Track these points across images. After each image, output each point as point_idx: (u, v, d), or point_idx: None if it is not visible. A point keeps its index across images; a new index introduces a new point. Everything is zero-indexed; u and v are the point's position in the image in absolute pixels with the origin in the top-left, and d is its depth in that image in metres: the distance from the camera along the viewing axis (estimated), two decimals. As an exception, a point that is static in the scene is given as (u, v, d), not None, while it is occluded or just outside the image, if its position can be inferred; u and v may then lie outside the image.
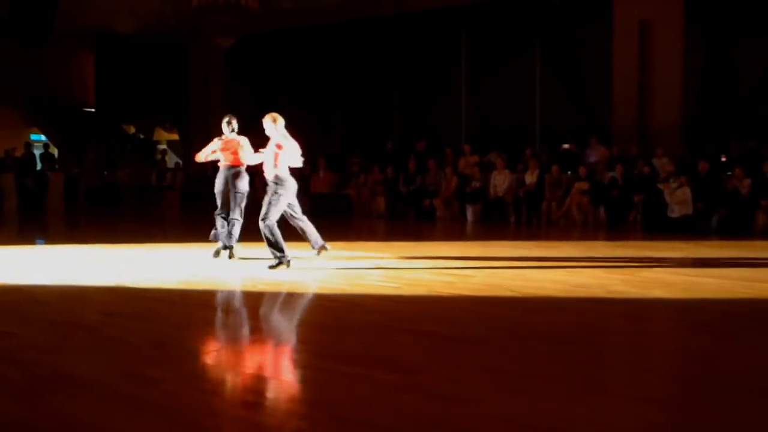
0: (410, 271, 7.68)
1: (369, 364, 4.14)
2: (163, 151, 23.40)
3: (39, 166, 19.98)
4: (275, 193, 7.83)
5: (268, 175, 7.92)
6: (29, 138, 23.92)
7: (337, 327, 5.09)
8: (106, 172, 20.96)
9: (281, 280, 7.08)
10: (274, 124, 8.10)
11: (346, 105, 20.47)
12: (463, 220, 14.56)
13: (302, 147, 8.23)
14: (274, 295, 6.39)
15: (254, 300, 6.25)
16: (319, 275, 7.41)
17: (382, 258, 8.76)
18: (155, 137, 24.93)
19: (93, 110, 25.32)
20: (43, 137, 24.44)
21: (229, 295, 6.62)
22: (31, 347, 4.53)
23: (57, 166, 20.10)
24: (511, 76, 17.49)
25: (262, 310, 5.83)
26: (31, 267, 8.03)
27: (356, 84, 20.23)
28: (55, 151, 22.86)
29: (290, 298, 6.27)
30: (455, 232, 12.84)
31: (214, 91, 22.65)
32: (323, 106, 20.82)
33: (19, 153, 20.41)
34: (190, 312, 5.88)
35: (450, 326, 5.10)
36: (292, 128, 8.49)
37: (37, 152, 21.42)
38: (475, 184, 14.85)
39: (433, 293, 6.39)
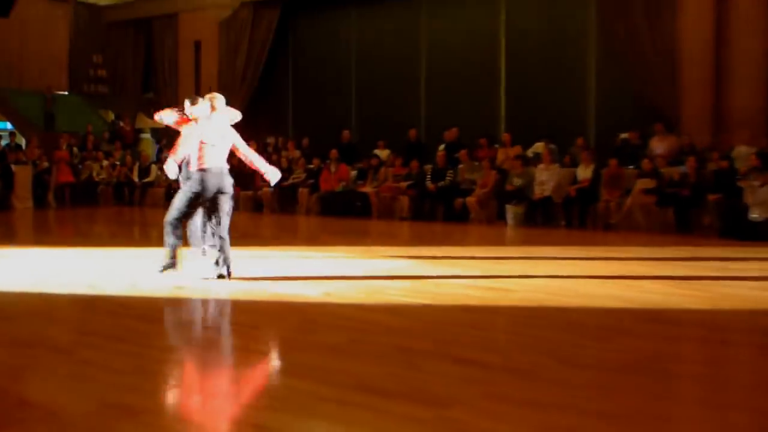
0: (439, 283, 7.63)
1: (394, 396, 4.08)
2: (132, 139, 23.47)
3: (2, 158, 20.11)
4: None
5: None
6: (-6, 124, 24.18)
7: (353, 350, 5.04)
8: (80, 166, 21.10)
9: (283, 293, 7.05)
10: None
11: (362, 86, 20.47)
12: (502, 224, 14.48)
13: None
14: (276, 311, 6.35)
15: (253, 317, 6.21)
16: (330, 287, 7.37)
17: (406, 267, 8.71)
18: (138, 125, 25.06)
19: (66, 93, 25.49)
20: (8, 125, 24.64)
21: (221, 311, 6.59)
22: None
23: (25, 159, 20.21)
24: (558, 52, 17.39)
25: (262, 330, 5.79)
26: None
27: (375, 62, 20.22)
28: (22, 141, 23.02)
29: (294, 315, 6.23)
30: (493, 238, 12.76)
31: (207, 69, 22.73)
32: (335, 87, 20.84)
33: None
34: (177, 331, 5.85)
35: (488, 351, 5.03)
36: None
37: (1, 143, 21.59)
38: (517, 180, 14.77)
39: (467, 311, 6.32)
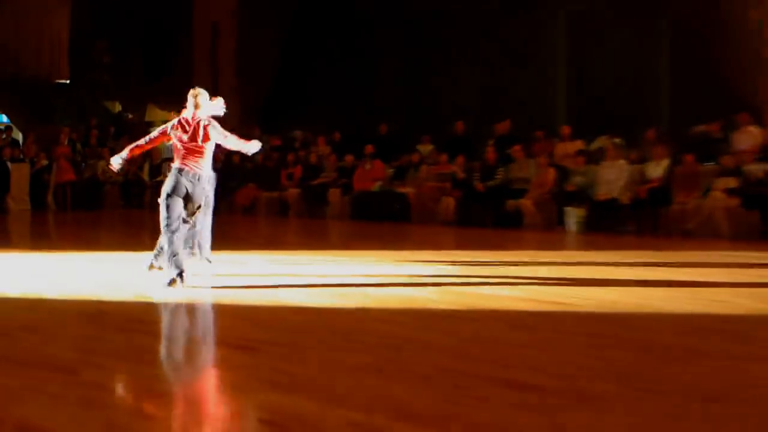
0: (488, 295, 7.60)
1: (436, 424, 4.07)
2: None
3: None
4: None
5: None
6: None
7: (388, 371, 5.03)
8: (83, 163, 21.33)
9: (308, 304, 7.06)
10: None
11: (402, 72, 20.48)
12: (561, 229, 14.41)
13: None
14: (301, 326, 6.37)
15: (275, 332, 6.23)
16: (362, 299, 7.37)
17: (449, 278, 8.70)
18: (147, 117, 25.32)
19: (67, 82, 25.80)
20: (3, 118, 25.00)
21: (239, 325, 6.61)
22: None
23: (22, 156, 20.49)
24: (626, 32, 17.28)
25: (286, 347, 5.81)
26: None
27: (416, 45, 20.23)
28: (18, 136, 23.34)
29: (322, 330, 6.23)
30: (550, 245, 12.69)
31: (224, 55, 22.87)
32: (371, 74, 20.87)
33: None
34: (191, 349, 5.89)
35: (545, 374, 4.99)
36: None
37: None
38: (578, 179, 14.69)
39: (521, 327, 6.29)
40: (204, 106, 8.53)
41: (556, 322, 6.57)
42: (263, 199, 18.94)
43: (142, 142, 8.74)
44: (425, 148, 18.19)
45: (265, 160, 19.51)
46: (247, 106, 21.95)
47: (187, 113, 8.57)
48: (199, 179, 8.30)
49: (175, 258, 8.04)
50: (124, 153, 8.68)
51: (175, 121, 8.53)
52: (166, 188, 8.23)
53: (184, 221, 8.26)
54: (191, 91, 8.56)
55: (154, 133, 8.73)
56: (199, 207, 8.40)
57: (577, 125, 16.41)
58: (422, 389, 4.66)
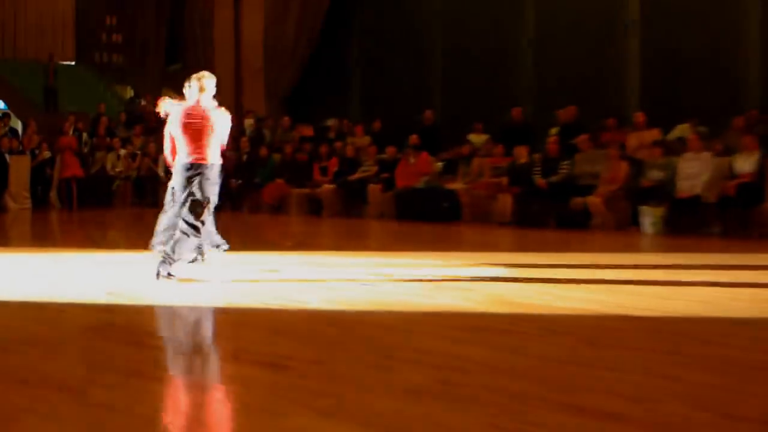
0: (550, 307, 7.57)
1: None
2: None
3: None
4: None
5: None
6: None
7: (440, 394, 5.01)
8: (91, 156, 21.50)
9: (348, 315, 7.06)
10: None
11: (451, 52, 20.47)
12: (636, 230, 14.31)
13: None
14: (341, 341, 6.37)
15: (312, 348, 6.22)
16: (409, 312, 7.37)
17: (507, 287, 8.67)
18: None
19: (72, 64, 26.05)
20: (0, 104, 25.28)
21: (271, 340, 6.62)
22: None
23: (21, 147, 20.67)
24: (709, 4, 17.15)
25: (326, 365, 5.81)
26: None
27: (467, 22, 20.20)
28: (18, 125, 23.58)
29: (364, 346, 6.23)
30: (622, 248, 12.62)
31: (248, 34, 22.96)
32: (414, 54, 20.87)
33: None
34: (211, 366, 5.90)
35: (618, 397, 4.95)
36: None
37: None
38: (655, 173, 14.59)
39: (588, 342, 6.25)
40: (210, 90, 8.98)
41: (628, 336, 6.53)
42: (293, 197, 18.99)
43: (167, 149, 9.30)
44: (478, 138, 18.15)
45: (295, 152, 19.57)
46: (274, 92, 22.07)
47: (190, 100, 8.83)
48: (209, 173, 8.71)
49: (178, 260, 8.69)
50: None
51: (178, 111, 8.97)
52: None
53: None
54: (194, 75, 9.07)
55: (169, 132, 9.16)
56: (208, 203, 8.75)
57: (652, 111, 16.29)
58: (478, 416, 4.64)
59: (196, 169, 8.87)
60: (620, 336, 6.61)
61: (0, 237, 15.65)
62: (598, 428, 4.44)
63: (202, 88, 8.94)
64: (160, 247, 9.33)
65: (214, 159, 8.97)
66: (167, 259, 8.74)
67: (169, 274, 8.72)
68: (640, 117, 16.14)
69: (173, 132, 9.09)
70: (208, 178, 8.85)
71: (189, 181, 8.93)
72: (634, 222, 14.55)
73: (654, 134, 15.64)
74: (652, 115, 16.11)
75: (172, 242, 8.87)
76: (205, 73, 9.10)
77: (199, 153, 8.85)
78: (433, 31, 20.79)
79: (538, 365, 5.71)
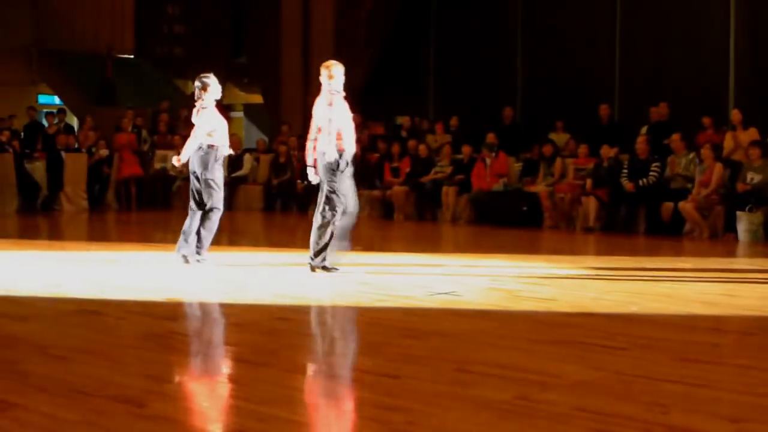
0: (641, 320, 7.52)
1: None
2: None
3: (48, 144, 20.81)
4: None
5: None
6: (36, 100, 25.15)
7: (522, 411, 5.00)
8: (150, 154, 21.68)
9: (421, 322, 7.06)
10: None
11: (532, 45, 20.39)
12: (732, 237, 14.13)
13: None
14: (415, 352, 6.37)
15: (386, 361, 6.24)
16: (486, 322, 7.35)
17: (591, 296, 8.62)
18: (227, 99, 25.72)
19: (131, 57, 26.32)
20: (55, 99, 25.62)
21: (341, 351, 6.65)
22: (41, 428, 4.69)
23: (77, 144, 20.91)
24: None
25: (402, 380, 5.82)
26: (39, 298, 8.39)
27: (550, 12, 20.12)
28: (74, 121, 23.88)
29: (440, 359, 6.23)
30: (718, 256, 12.48)
31: (318, 27, 23.04)
32: (493, 47, 20.81)
33: (19, 123, 21.38)
34: (281, 380, 5.94)
35: (727, 420, 4.91)
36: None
37: (46, 122, 22.39)
38: (753, 176, 14.41)
39: (683, 359, 6.19)
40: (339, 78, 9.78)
41: (724, 351, 6.48)
42: (363, 198, 19.01)
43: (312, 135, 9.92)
44: (560, 138, 18.05)
45: (365, 151, 19.60)
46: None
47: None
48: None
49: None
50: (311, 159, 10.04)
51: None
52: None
53: None
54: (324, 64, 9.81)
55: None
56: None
57: (751, 111, 16.07)
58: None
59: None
60: (715, 351, 6.55)
61: (55, 239, 15.89)
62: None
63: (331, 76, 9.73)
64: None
65: None
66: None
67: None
68: (736, 116, 15.92)
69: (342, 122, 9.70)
70: None
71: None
72: (730, 228, 14.36)
73: (752, 134, 15.42)
74: (750, 114, 15.89)
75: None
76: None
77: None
78: (513, 25, 20.71)
79: (626, 381, 5.67)
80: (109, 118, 22.15)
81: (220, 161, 10.60)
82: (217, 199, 10.38)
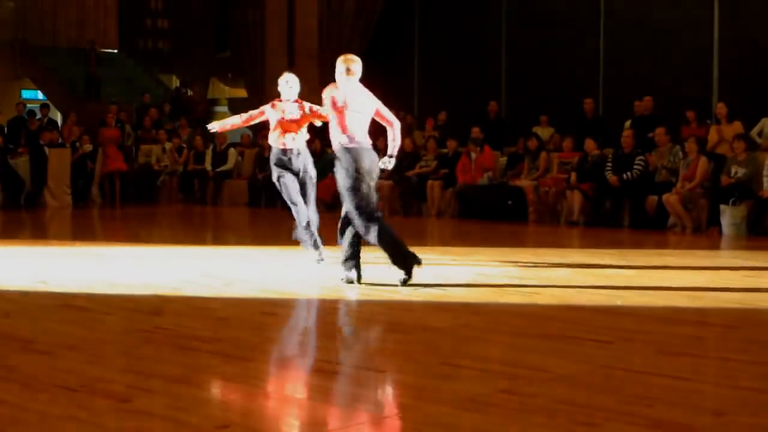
0: (624, 312, 7.55)
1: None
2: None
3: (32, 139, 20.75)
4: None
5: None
6: (20, 96, 25.12)
7: (505, 404, 5.01)
8: (135, 149, 21.67)
9: (408, 318, 7.08)
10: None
11: (516, 40, 20.40)
12: (716, 231, 14.17)
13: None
14: (402, 348, 6.38)
15: (373, 357, 6.24)
16: (469, 316, 7.35)
17: (576, 290, 8.64)
18: (211, 93, 25.69)
19: (115, 51, 26.28)
20: (39, 94, 25.58)
21: (334, 348, 6.66)
22: (26, 424, 4.69)
23: (61, 139, 20.87)
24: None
25: (387, 374, 5.83)
26: (23, 293, 8.37)
27: (533, 7, 20.14)
28: (57, 116, 23.83)
29: (424, 353, 6.25)
30: (701, 250, 12.52)
31: (302, 21, 23.02)
32: (478, 41, 20.82)
33: (4, 118, 21.34)
34: (269, 375, 5.94)
35: (700, 411, 4.93)
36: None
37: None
38: (737, 170, 14.45)
39: (665, 353, 6.21)
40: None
41: (707, 344, 6.50)
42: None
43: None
44: (544, 132, 18.07)
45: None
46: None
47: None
48: None
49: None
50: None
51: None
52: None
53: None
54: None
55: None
56: None
57: (735, 104, 16.10)
58: (545, 429, 4.64)
59: None
60: (699, 344, 6.58)
61: (39, 234, 15.87)
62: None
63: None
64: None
65: None
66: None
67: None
68: (720, 109, 15.96)
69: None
70: None
71: None
72: (714, 222, 14.40)
73: (736, 128, 15.46)
74: (733, 107, 15.93)
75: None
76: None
77: None
78: (497, 19, 20.71)
79: (610, 374, 5.69)
80: (93, 113, 22.17)
81: None
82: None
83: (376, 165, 8.79)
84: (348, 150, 8.59)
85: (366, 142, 8.76)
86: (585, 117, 17.56)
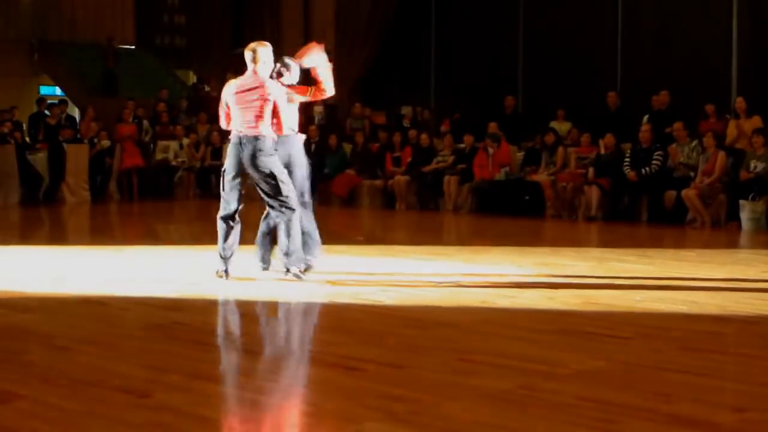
0: (642, 308, 7.52)
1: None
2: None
3: (50, 135, 20.80)
4: None
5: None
6: (38, 92, 25.19)
7: (524, 401, 5.00)
8: (152, 145, 21.69)
9: (426, 314, 7.07)
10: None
11: (534, 34, 20.35)
12: (734, 226, 14.12)
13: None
14: (419, 344, 6.37)
15: (390, 352, 6.23)
16: (488, 311, 7.34)
17: (594, 285, 8.62)
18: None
19: (132, 47, 26.31)
20: (57, 90, 25.64)
21: (347, 343, 6.66)
22: (45, 419, 4.70)
23: (79, 135, 20.91)
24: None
25: (406, 370, 5.81)
26: (41, 289, 8.40)
27: (550, 3, 20.09)
28: (75, 112, 23.88)
29: (442, 350, 6.24)
30: (719, 245, 12.48)
31: (320, 15, 23.01)
32: (495, 35, 20.77)
33: (23, 114, 21.37)
34: (285, 369, 5.95)
35: (720, 407, 4.91)
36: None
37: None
38: (756, 165, 14.39)
39: (685, 348, 6.20)
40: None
41: (727, 340, 6.48)
42: (365, 188, 19.03)
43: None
44: (562, 126, 18.01)
45: (367, 141, 19.60)
46: (346, 77, 22.12)
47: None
48: None
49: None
50: None
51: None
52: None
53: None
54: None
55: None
56: None
57: (754, 98, 16.02)
58: (565, 425, 4.63)
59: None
60: (718, 340, 6.56)
61: (57, 230, 15.92)
62: None
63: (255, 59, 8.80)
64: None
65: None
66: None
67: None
68: (739, 103, 15.88)
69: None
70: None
71: None
72: (733, 217, 14.35)
73: (755, 122, 15.39)
74: (752, 102, 15.85)
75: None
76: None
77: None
78: (515, 13, 20.65)
79: (630, 371, 5.68)
80: (110, 109, 22.17)
81: None
82: None
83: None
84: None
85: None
86: (608, 110, 17.42)
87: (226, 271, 8.67)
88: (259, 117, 8.48)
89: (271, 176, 8.50)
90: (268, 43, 8.80)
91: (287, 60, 9.18)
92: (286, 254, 8.58)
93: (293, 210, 8.52)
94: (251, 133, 8.48)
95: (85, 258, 10.91)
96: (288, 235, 8.52)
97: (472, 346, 6.34)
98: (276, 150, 8.64)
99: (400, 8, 22.00)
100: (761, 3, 17.46)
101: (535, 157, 17.31)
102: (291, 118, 8.97)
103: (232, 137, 8.65)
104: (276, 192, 8.50)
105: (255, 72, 8.61)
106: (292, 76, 9.19)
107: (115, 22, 26.22)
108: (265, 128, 8.49)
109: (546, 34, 20.13)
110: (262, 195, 8.69)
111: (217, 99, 9.49)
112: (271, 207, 8.68)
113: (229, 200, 8.83)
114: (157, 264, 10.26)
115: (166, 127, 22.10)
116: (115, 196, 20.62)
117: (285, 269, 8.62)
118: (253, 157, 8.47)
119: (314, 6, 23.05)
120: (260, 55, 8.59)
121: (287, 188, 8.53)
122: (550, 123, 18.04)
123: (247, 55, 8.62)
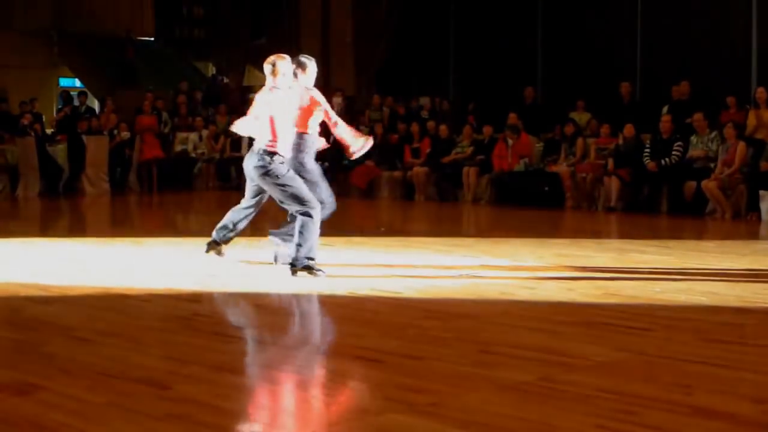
0: (664, 301, 7.50)
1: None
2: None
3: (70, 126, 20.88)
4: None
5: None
6: (57, 84, 25.30)
7: (545, 392, 5.00)
8: (172, 137, 21.73)
9: (444, 307, 7.07)
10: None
11: (552, 24, 20.30)
12: (755, 217, 14.06)
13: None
14: (439, 336, 6.38)
15: (410, 344, 6.24)
16: (507, 303, 7.33)
17: (614, 276, 8.61)
18: (246, 81, 25.71)
19: (151, 39, 26.35)
20: (76, 82, 25.74)
21: (366, 334, 6.66)
22: (66, 411, 4.73)
23: (98, 127, 20.96)
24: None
25: (425, 362, 5.82)
26: (62, 281, 8.45)
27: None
28: (94, 104, 23.97)
29: (463, 341, 6.24)
30: (742, 236, 12.43)
31: (338, 7, 23.00)
32: (513, 26, 20.73)
33: (42, 106, 21.46)
34: (305, 361, 5.96)
35: (742, 399, 4.90)
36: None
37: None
38: (778, 155, 14.35)
39: (706, 340, 6.18)
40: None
41: (748, 332, 6.46)
42: (384, 180, 19.04)
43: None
44: (581, 117, 17.96)
45: (386, 132, 19.60)
46: (364, 68, 22.14)
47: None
48: None
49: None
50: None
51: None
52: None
53: None
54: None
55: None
56: None
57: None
58: (585, 417, 4.62)
59: None
60: (738, 331, 6.54)
61: (77, 222, 15.98)
62: (717, 429, 4.40)
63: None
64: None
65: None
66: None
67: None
68: (760, 94, 15.80)
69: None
70: None
71: None
72: (753, 208, 14.29)
73: (778, 112, 15.34)
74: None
75: None
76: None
77: None
78: (534, 4, 20.58)
79: (650, 362, 5.67)
80: (129, 101, 22.24)
81: None
82: None
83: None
84: None
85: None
86: (622, 101, 17.40)
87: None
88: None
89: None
90: (287, 56, 8.78)
91: (302, 58, 9.14)
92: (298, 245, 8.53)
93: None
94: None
95: (106, 250, 10.95)
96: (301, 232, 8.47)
97: (492, 338, 6.35)
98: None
99: (418, 0, 21.99)
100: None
101: (555, 148, 17.27)
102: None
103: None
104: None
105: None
106: (308, 76, 9.14)
107: (135, 13, 26.29)
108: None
109: (565, 24, 20.07)
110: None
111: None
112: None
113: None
114: (176, 255, 10.29)
115: (185, 119, 22.14)
116: (135, 188, 20.68)
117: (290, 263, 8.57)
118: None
119: (333, 2, 23.03)
120: (279, 67, 8.61)
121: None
122: (569, 114, 18.00)
123: (266, 68, 8.63)
